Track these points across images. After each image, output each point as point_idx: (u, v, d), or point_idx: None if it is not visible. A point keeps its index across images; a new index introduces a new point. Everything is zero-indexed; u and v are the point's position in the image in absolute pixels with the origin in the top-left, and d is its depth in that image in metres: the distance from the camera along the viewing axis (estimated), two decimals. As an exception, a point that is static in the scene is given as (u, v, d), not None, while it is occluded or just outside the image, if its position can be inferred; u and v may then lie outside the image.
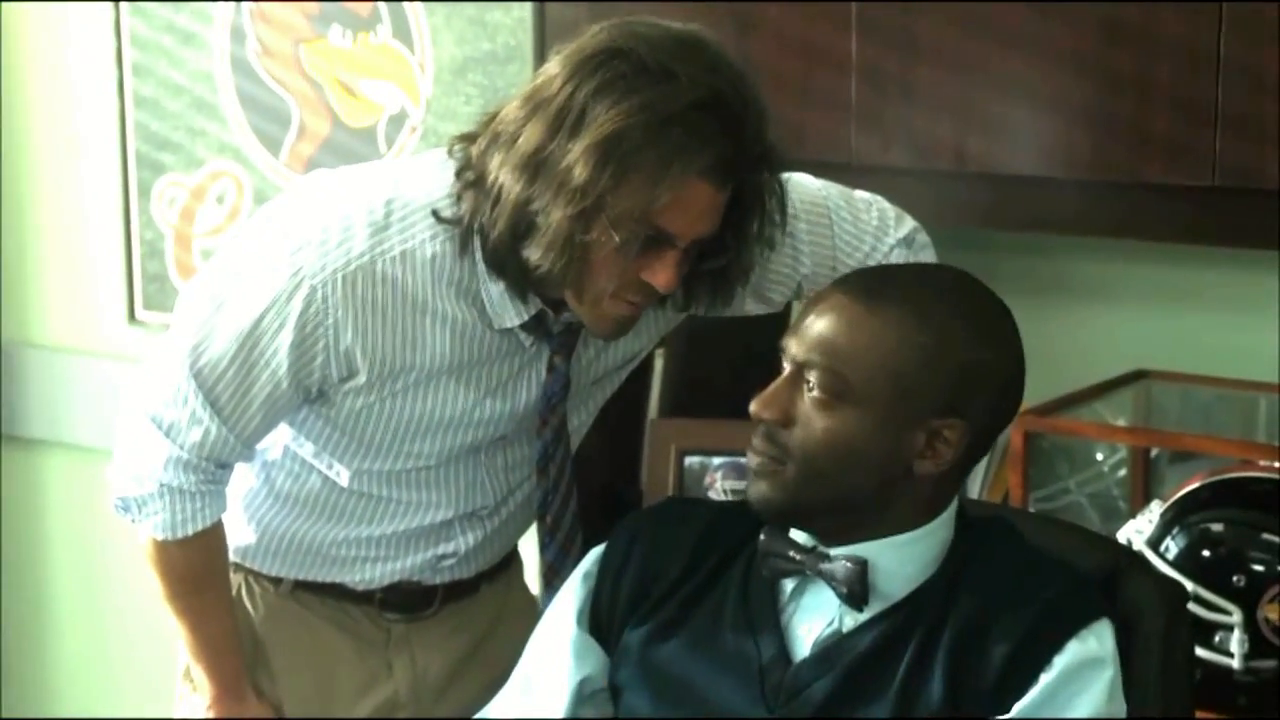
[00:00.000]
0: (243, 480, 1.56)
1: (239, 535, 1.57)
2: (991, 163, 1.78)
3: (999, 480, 1.91)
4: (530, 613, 1.67)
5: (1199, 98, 1.66)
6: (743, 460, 1.93)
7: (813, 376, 1.25)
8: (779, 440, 1.26)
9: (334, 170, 1.49)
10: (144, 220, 2.53)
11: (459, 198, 1.40)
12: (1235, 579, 1.64)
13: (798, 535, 1.30)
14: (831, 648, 1.27)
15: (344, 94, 2.35)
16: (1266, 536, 1.64)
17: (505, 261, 1.38)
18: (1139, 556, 1.49)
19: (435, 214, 1.40)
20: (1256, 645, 1.63)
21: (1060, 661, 1.22)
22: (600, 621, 1.36)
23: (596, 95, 1.32)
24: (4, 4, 2.57)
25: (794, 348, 1.27)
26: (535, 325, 1.45)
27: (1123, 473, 1.93)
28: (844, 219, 1.52)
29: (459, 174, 1.40)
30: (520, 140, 1.35)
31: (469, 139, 1.42)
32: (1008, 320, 1.29)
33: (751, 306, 1.54)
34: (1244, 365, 1.90)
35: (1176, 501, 1.70)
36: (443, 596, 1.60)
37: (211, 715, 1.57)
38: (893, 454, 1.24)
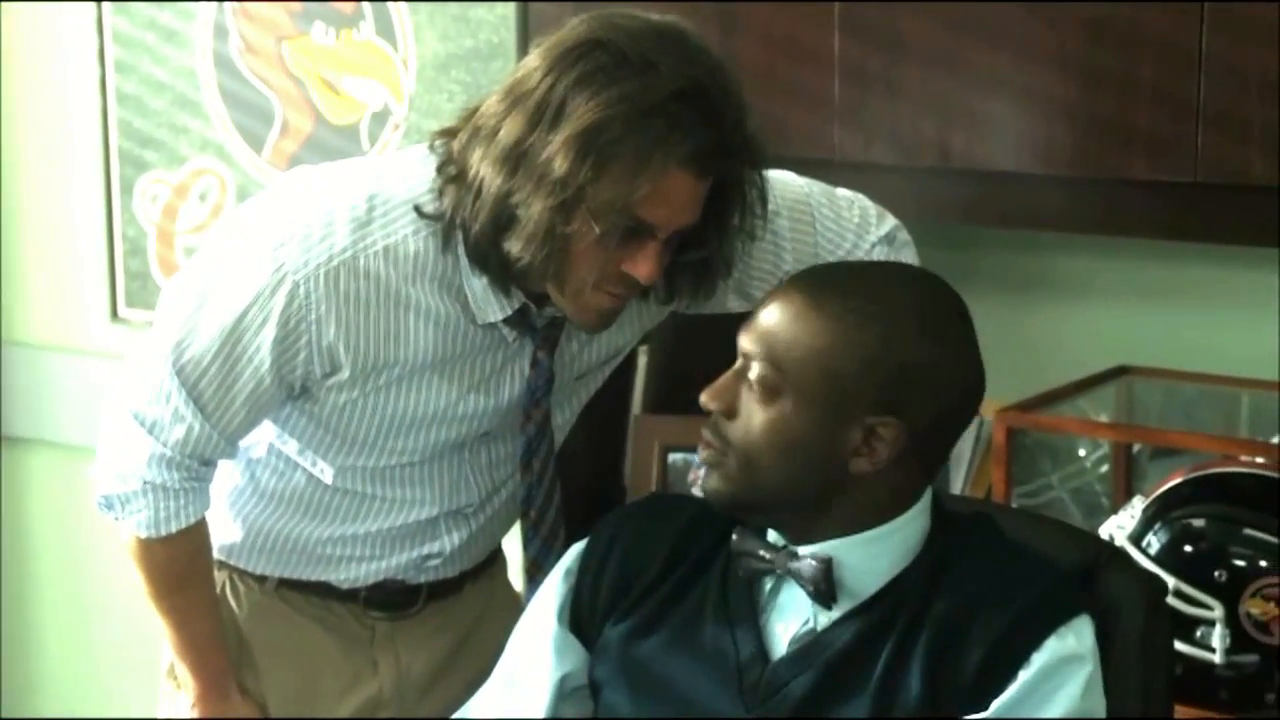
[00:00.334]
0: (228, 478, 1.56)
1: (224, 533, 1.57)
2: (975, 159, 1.78)
3: (982, 476, 1.92)
4: (514, 610, 1.67)
5: (1181, 94, 1.67)
6: (727, 457, 1.95)
7: (754, 369, 1.26)
8: (723, 432, 1.27)
9: (316, 166, 1.50)
10: (126, 217, 2.52)
11: (440, 193, 1.40)
12: (1217, 574, 1.64)
13: (771, 534, 1.30)
14: (808, 645, 1.27)
15: (327, 91, 2.35)
16: (1248, 532, 1.65)
17: (487, 255, 1.39)
18: (1119, 551, 1.49)
19: (417, 209, 1.40)
20: (1238, 640, 1.64)
21: (1039, 659, 1.22)
22: (581, 618, 1.36)
23: (576, 87, 1.32)
24: (-15, 1, 2.57)
25: (743, 340, 1.28)
26: (518, 320, 1.45)
27: (1105, 468, 1.94)
28: (826, 215, 1.53)
29: (440, 169, 1.41)
30: (501, 133, 1.35)
31: (450, 134, 1.42)
32: (961, 324, 1.28)
33: (734, 303, 1.54)
34: (1226, 361, 1.91)
35: (1158, 497, 1.70)
36: (427, 595, 1.60)
37: (196, 714, 1.57)
38: (829, 450, 1.24)
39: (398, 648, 1.60)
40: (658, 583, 1.34)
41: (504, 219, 1.35)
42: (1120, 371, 1.95)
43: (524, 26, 2.13)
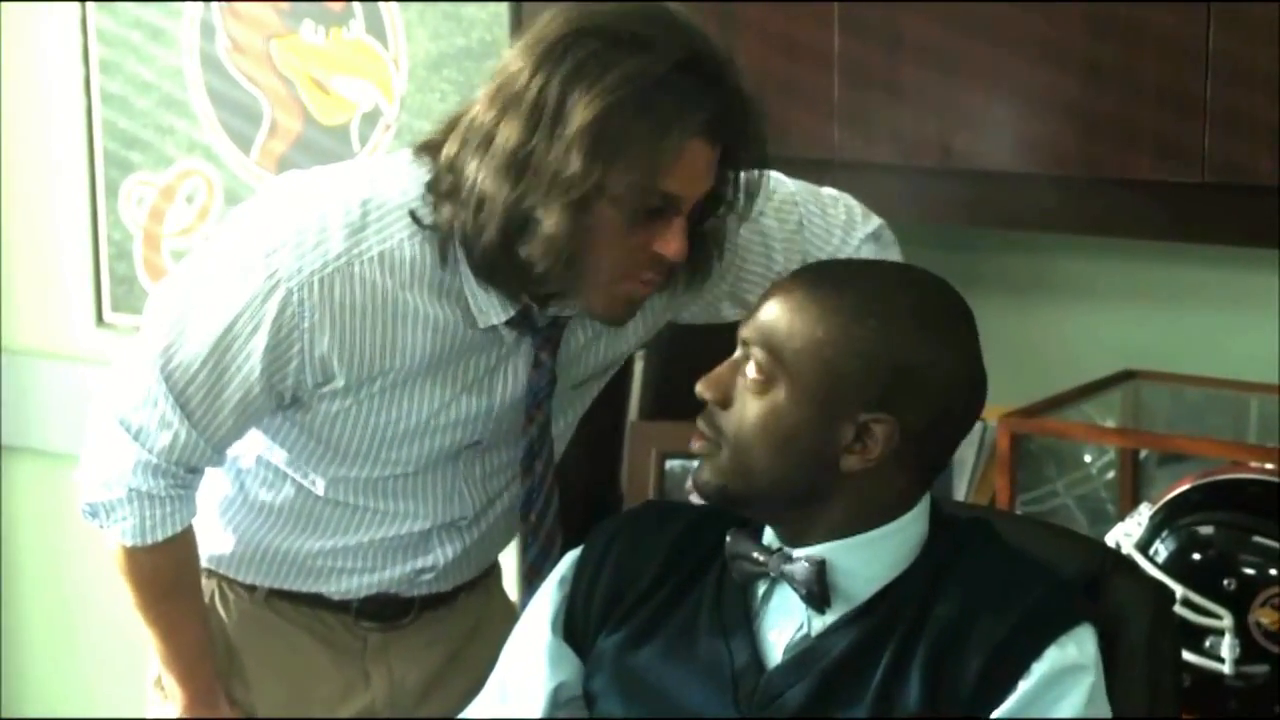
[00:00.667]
0: (218, 487, 1.55)
1: (213, 543, 1.56)
2: (976, 159, 1.78)
3: (985, 483, 1.91)
4: (509, 620, 1.66)
5: (1187, 93, 1.66)
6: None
7: (751, 358, 1.26)
8: (717, 422, 1.26)
9: (307, 171, 1.49)
10: (112, 220, 2.51)
11: (435, 208, 1.39)
12: (1226, 583, 1.64)
13: (766, 537, 1.30)
14: (804, 653, 1.26)
15: (316, 91, 2.34)
16: (1258, 539, 1.64)
17: (498, 266, 1.37)
18: (1124, 559, 1.48)
19: (415, 218, 1.39)
20: (1248, 650, 1.63)
21: (1039, 669, 1.21)
22: (575, 627, 1.35)
23: (571, 80, 1.31)
24: (-32, 0, 2.55)
25: (742, 330, 1.28)
26: (520, 320, 1.44)
27: (1111, 475, 1.93)
28: (813, 213, 1.53)
29: (431, 185, 1.39)
30: (497, 141, 1.34)
31: (434, 147, 1.41)
32: (963, 326, 1.28)
33: (729, 311, 1.54)
34: (1234, 365, 1.90)
35: (1166, 504, 1.70)
36: (420, 606, 1.60)
37: (183, 723, 1.56)
38: (820, 444, 1.23)
39: (390, 659, 1.60)
40: (652, 591, 1.33)
41: (516, 227, 1.34)
42: (1126, 376, 1.94)
43: (517, 24, 2.12)
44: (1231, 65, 1.64)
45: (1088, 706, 1.21)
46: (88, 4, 2.46)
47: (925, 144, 1.79)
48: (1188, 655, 1.60)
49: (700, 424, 1.28)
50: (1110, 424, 1.92)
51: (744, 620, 1.28)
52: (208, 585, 1.57)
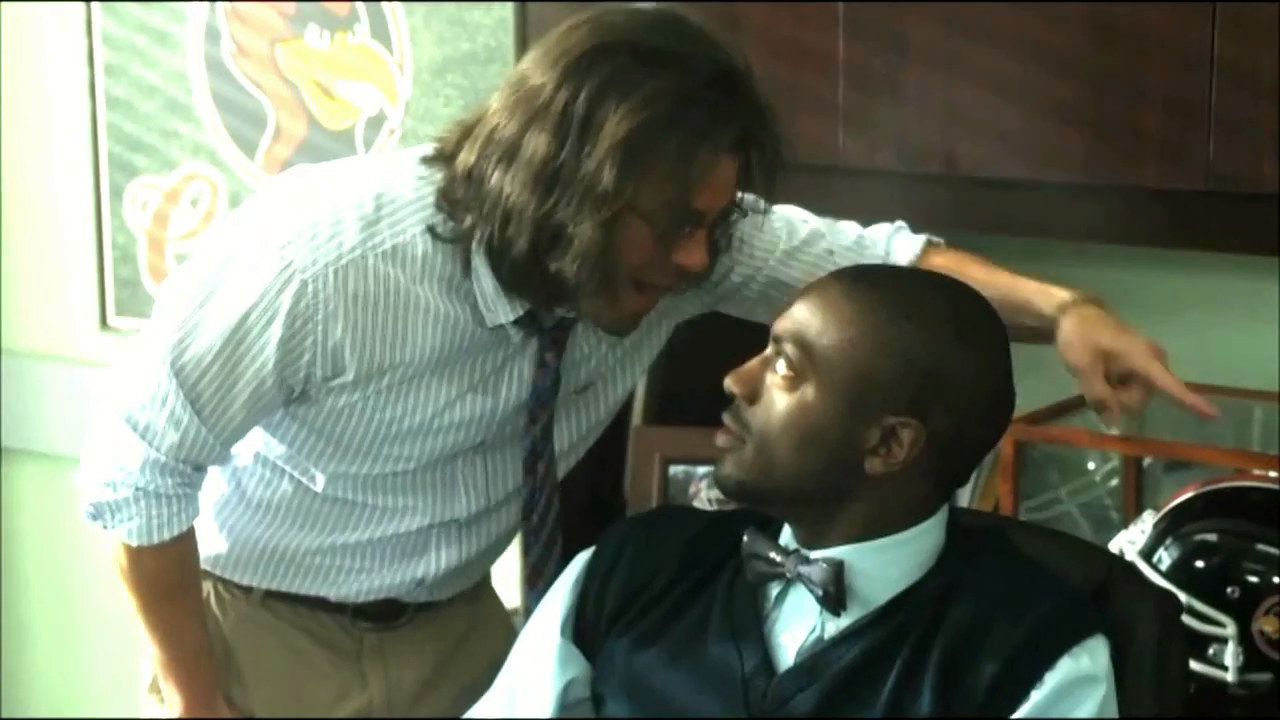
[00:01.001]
0: (213, 487, 1.55)
1: (210, 543, 1.56)
2: (980, 165, 1.78)
3: (989, 489, 1.91)
4: (502, 621, 1.68)
5: (1192, 99, 1.66)
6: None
7: (782, 354, 1.26)
8: (743, 417, 1.27)
9: (315, 165, 1.49)
10: (116, 224, 2.52)
11: (454, 216, 1.39)
12: (1230, 590, 1.64)
13: (783, 539, 1.30)
14: (816, 657, 1.27)
15: (321, 95, 2.35)
16: (1261, 547, 1.64)
17: (528, 277, 1.38)
18: (1131, 567, 1.49)
19: (432, 231, 1.39)
20: (1251, 658, 1.63)
21: (1052, 679, 1.21)
22: (585, 628, 1.36)
23: (600, 95, 1.32)
24: (-28, 3, 2.56)
25: (775, 326, 1.28)
26: (527, 320, 1.44)
27: (1115, 482, 1.93)
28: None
29: (447, 192, 1.39)
30: (523, 153, 1.34)
31: (446, 157, 1.41)
32: (997, 339, 1.28)
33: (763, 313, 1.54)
34: (1239, 373, 1.90)
35: (1170, 511, 1.70)
36: (415, 606, 1.60)
37: (182, 725, 1.56)
38: (845, 445, 1.24)
39: (387, 660, 1.60)
40: (664, 594, 1.33)
41: (547, 239, 1.35)
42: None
43: (522, 29, 2.12)
44: (1236, 71, 1.64)
45: (1099, 718, 1.21)
46: (92, 7, 2.47)
47: (929, 150, 1.79)
48: (1191, 663, 1.60)
49: (726, 418, 1.28)
50: (1114, 432, 1.91)
51: (755, 622, 1.28)
52: (205, 586, 1.57)
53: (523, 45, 2.10)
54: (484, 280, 1.41)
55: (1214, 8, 1.64)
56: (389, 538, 1.54)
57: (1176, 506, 1.70)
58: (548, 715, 1.33)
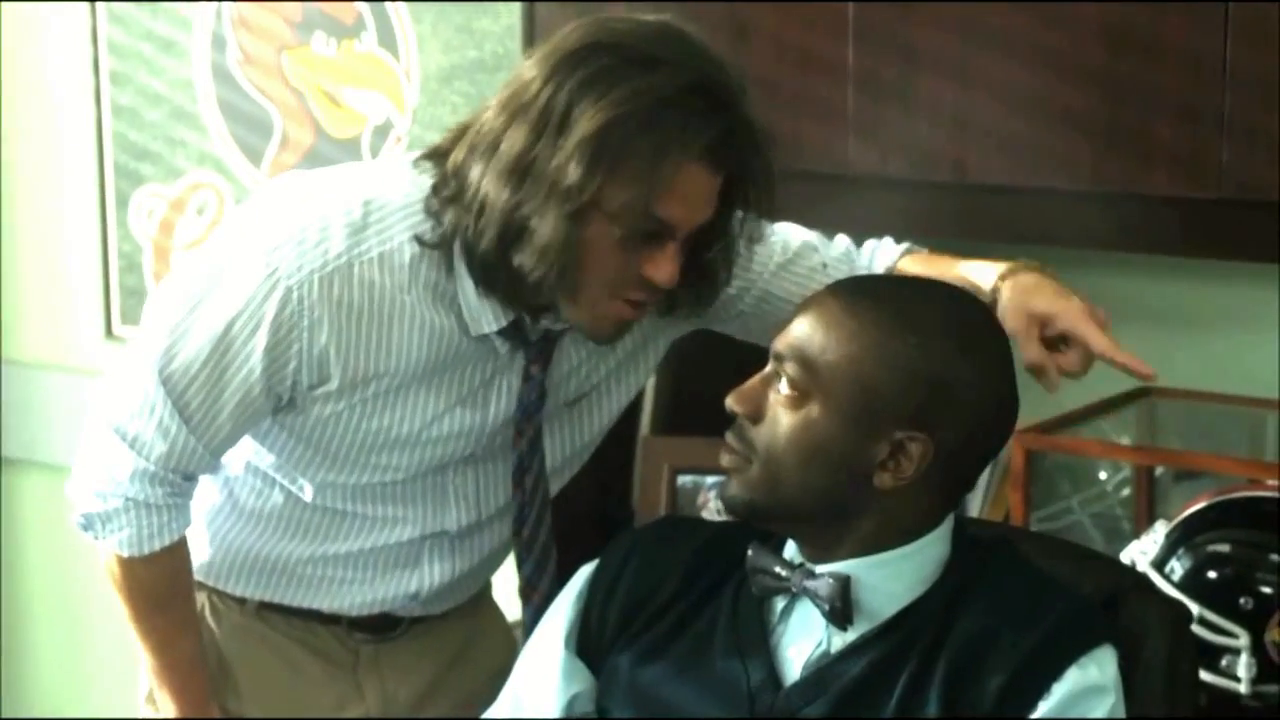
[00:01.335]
0: (205, 496, 1.55)
1: (202, 553, 1.57)
2: (990, 174, 1.78)
3: (1000, 499, 1.91)
4: (501, 632, 1.68)
5: (1205, 106, 1.66)
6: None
7: (785, 372, 1.26)
8: (747, 436, 1.27)
9: (307, 171, 1.50)
10: (121, 233, 2.53)
11: (438, 216, 1.39)
12: (1242, 601, 1.64)
13: (787, 553, 1.30)
14: (823, 671, 1.27)
15: (327, 103, 2.36)
16: (1274, 558, 1.64)
17: (496, 273, 1.38)
18: (1142, 577, 1.49)
19: (418, 239, 1.40)
20: (1264, 669, 1.63)
21: (1060, 689, 1.21)
22: (590, 642, 1.36)
23: (581, 91, 1.32)
24: (-22, 10, 2.57)
25: (776, 343, 1.28)
26: (512, 331, 1.44)
27: (1126, 492, 1.93)
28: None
29: (436, 190, 1.40)
30: (503, 147, 1.35)
31: (440, 154, 1.41)
32: (999, 346, 1.29)
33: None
34: (1251, 382, 1.90)
35: (1182, 522, 1.70)
36: (410, 619, 1.60)
37: (177, 738, 1.56)
38: (853, 460, 1.24)
39: (382, 671, 1.60)
40: (669, 606, 1.33)
41: (513, 233, 1.35)
42: (1142, 392, 1.94)
43: (530, 37, 2.13)
44: (1250, 78, 1.64)
45: (1108, 728, 1.21)
46: (98, 13, 2.48)
47: (939, 157, 1.79)
48: (1203, 675, 1.60)
49: (729, 438, 1.28)
50: (1125, 441, 1.92)
51: (761, 636, 1.28)
52: (198, 598, 1.57)
53: (530, 53, 2.11)
54: (466, 285, 1.41)
55: (1227, 11, 1.64)
56: (380, 549, 1.54)
57: (1189, 517, 1.70)
58: (553, 726, 1.34)
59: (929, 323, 1.25)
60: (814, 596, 1.26)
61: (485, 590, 1.67)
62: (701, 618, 1.32)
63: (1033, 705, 1.21)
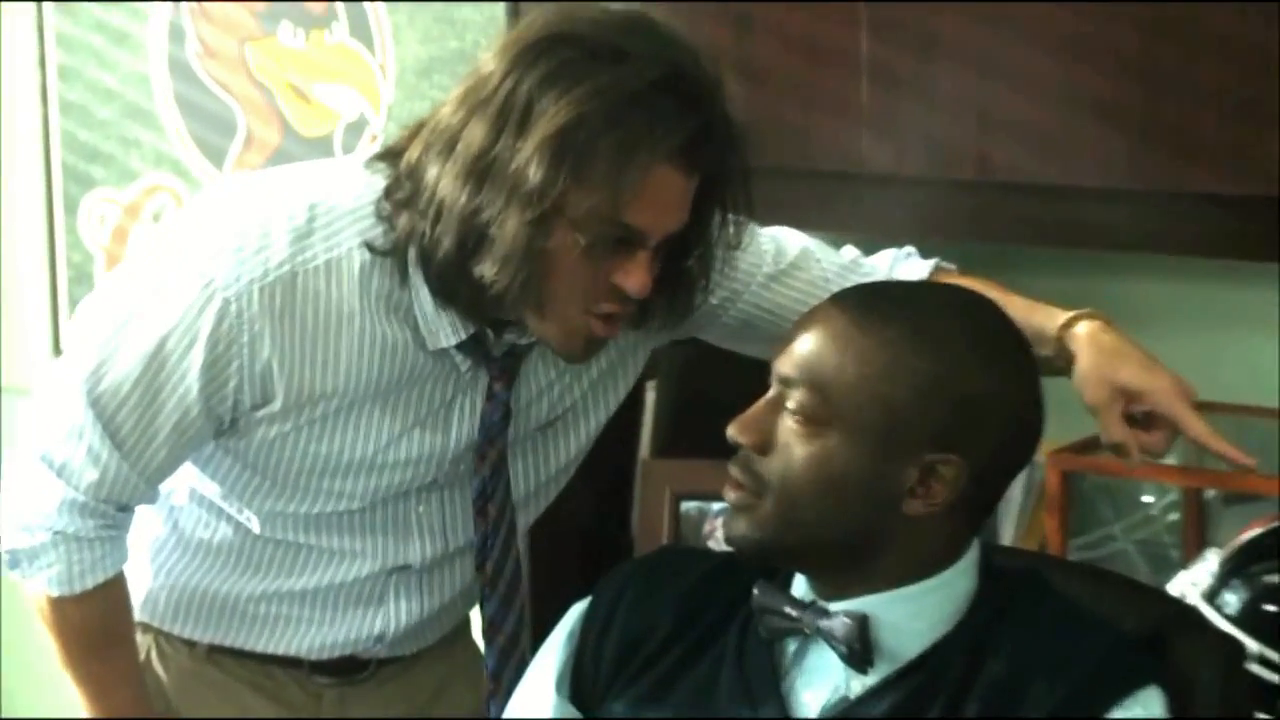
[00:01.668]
0: (147, 528, 1.55)
1: (146, 591, 1.56)
2: (1018, 171, 1.78)
3: (1035, 525, 1.91)
4: (479, 673, 1.64)
5: (1253, 98, 1.66)
6: (745, 506, 1.94)
7: (794, 398, 1.25)
8: (756, 469, 1.25)
9: (251, 173, 1.50)
10: (70, 241, 2.53)
11: (391, 220, 1.39)
12: (1302, 637, 1.64)
13: (797, 589, 1.29)
14: (842, 718, 1.26)
15: (296, 99, 2.36)
16: (1337, 589, 1.64)
17: (454, 284, 1.37)
18: (1191, 611, 1.48)
19: (369, 246, 1.39)
20: (1325, 711, 1.63)
21: (1102, 736, 1.21)
22: (583, 686, 1.35)
23: (542, 86, 1.32)
24: (-87, 1, 2.58)
25: (780, 365, 1.27)
26: (473, 346, 1.44)
27: (1174, 517, 1.93)
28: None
29: (388, 193, 1.39)
30: (460, 144, 1.34)
31: (394, 155, 1.40)
32: (1022, 351, 1.28)
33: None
34: (1307, 395, 1.90)
35: (1235, 550, 1.69)
36: (378, 661, 1.59)
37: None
38: (880, 489, 1.23)
39: (349, 718, 1.58)
40: (667, 647, 1.32)
41: (472, 240, 1.34)
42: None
43: (514, 27, 2.13)
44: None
45: (1155, 777, 1.21)
46: (44, 5, 2.48)
47: (961, 155, 1.80)
48: (1260, 717, 1.60)
49: (734, 471, 1.26)
50: (1172, 461, 1.91)
51: (771, 681, 1.27)
52: (143, 641, 1.56)
53: (516, 43, 2.11)
54: (422, 294, 1.40)
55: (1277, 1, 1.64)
56: (339, 585, 1.53)
57: (1243, 544, 1.69)
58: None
59: (947, 334, 1.24)
60: (829, 638, 1.25)
61: (462, 627, 1.66)
62: (703, 660, 1.31)
63: (1073, 755, 1.21)
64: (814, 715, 1.26)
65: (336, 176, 1.43)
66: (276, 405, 1.41)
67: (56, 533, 1.44)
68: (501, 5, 2.20)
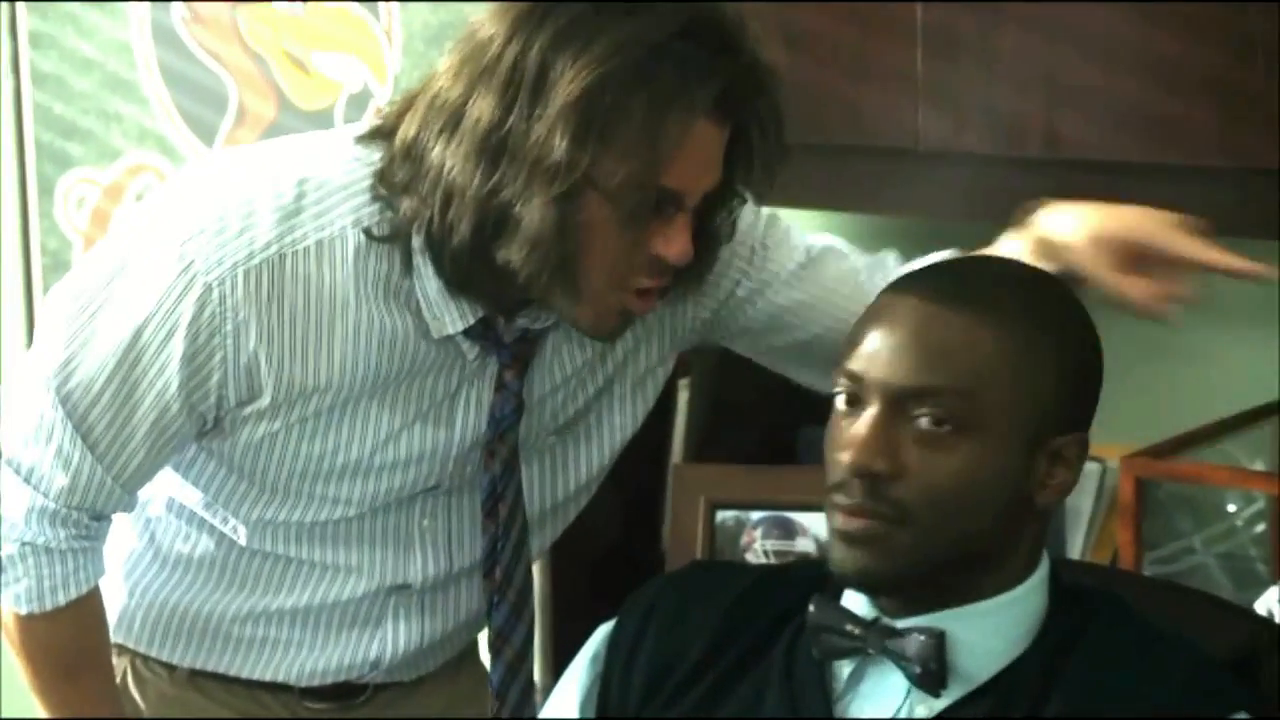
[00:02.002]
0: (122, 542, 1.55)
1: (122, 610, 1.56)
2: (1089, 147, 1.78)
3: (1105, 537, 1.91)
4: (486, 696, 1.63)
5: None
6: (787, 515, 1.94)
7: (923, 407, 1.23)
8: (892, 496, 1.23)
9: (236, 148, 1.50)
10: (46, 225, 2.54)
11: (391, 205, 1.38)
12: (1403, 660, 1.63)
13: (855, 604, 1.29)
14: (909, 744, 1.26)
15: (293, 69, 2.37)
16: None
17: (472, 271, 1.37)
18: (1282, 632, 1.48)
19: (367, 233, 1.39)
20: None
21: (1187, 767, 1.21)
22: (610, 712, 1.35)
23: (554, 47, 1.31)
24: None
25: (884, 377, 1.25)
26: (481, 331, 1.43)
27: (1260, 528, 1.93)
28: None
29: (384, 176, 1.39)
30: (466, 120, 1.33)
31: (384, 134, 1.39)
32: (1084, 312, 1.32)
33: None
34: None
35: (1328, 564, 1.69)
36: (376, 685, 1.59)
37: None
38: (1020, 486, 1.24)
39: None
40: (703, 670, 1.32)
41: (492, 224, 1.34)
42: (1276, 408, 1.93)
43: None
44: None
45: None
46: (17, -33, 2.50)
47: (1027, 129, 1.79)
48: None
49: (861, 502, 1.23)
50: (1259, 466, 1.91)
51: (824, 707, 1.27)
52: (119, 664, 1.57)
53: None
54: (427, 280, 1.40)
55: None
56: (331, 605, 1.53)
57: (1336, 558, 1.69)
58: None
59: (1049, 305, 1.27)
60: (899, 658, 1.25)
61: (468, 651, 1.67)
62: (745, 683, 1.31)
63: (1157, 786, 1.21)
64: (873, 740, 1.27)
65: (326, 151, 1.43)
66: (264, 401, 1.41)
67: (25, 544, 1.44)
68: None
